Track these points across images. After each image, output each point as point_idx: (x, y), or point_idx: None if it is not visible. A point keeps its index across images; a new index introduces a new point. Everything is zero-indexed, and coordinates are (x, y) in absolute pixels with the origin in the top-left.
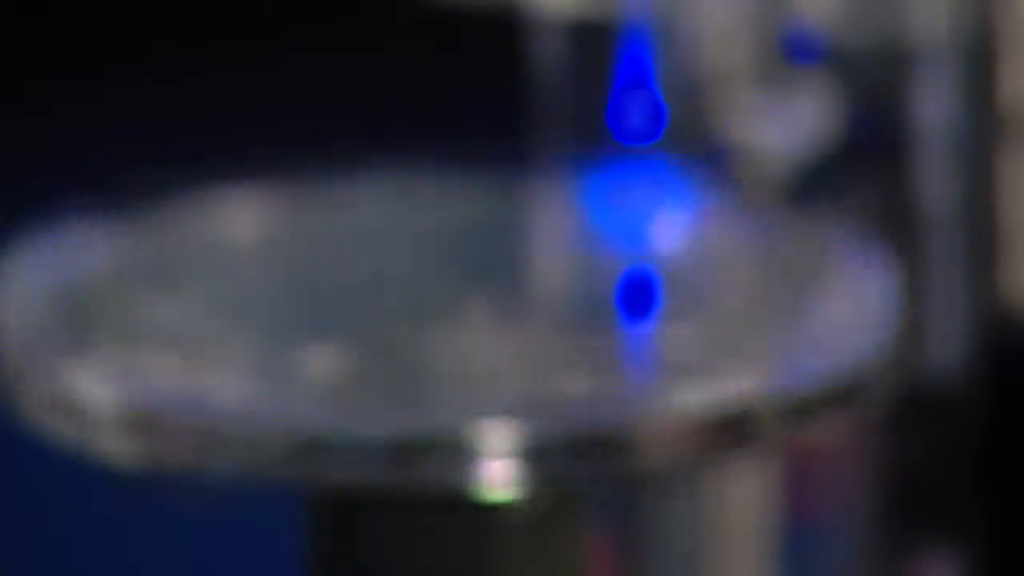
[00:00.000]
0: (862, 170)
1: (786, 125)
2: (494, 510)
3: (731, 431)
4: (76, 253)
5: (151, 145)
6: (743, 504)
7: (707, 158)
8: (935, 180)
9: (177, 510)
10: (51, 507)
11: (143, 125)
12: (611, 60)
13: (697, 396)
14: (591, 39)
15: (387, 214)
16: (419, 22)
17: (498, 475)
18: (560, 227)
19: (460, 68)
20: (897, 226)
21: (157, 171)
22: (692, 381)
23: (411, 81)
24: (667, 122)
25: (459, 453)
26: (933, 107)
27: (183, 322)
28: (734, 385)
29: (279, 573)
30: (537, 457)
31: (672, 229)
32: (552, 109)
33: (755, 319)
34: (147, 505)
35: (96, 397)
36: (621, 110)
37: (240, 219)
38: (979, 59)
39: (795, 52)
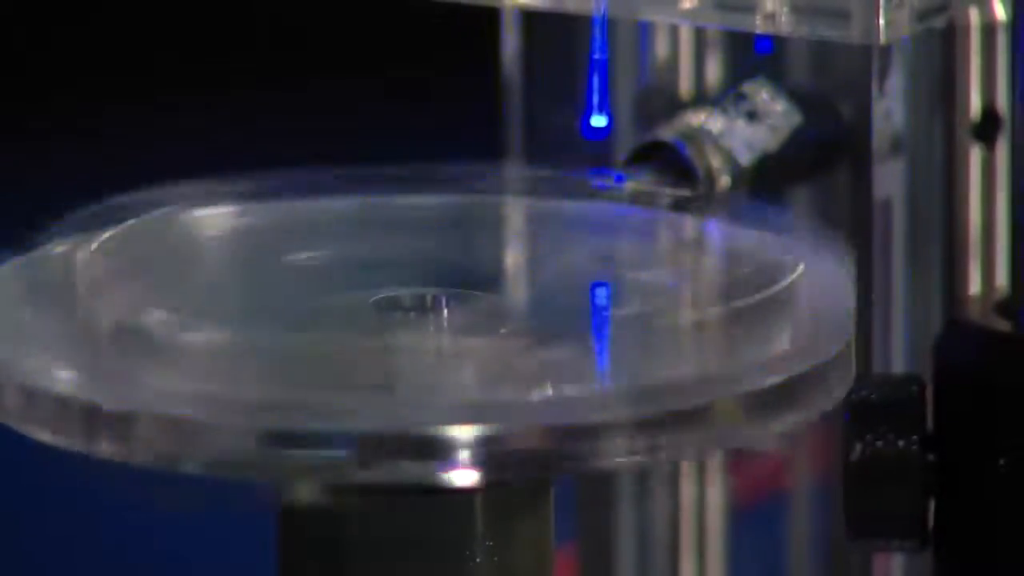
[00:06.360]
0: (819, 169)
1: (745, 123)
2: (459, 505)
3: (688, 431)
4: (50, 250)
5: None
6: (699, 500)
7: (665, 155)
8: (892, 179)
9: (149, 501)
10: (25, 497)
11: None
12: (580, 51)
13: (655, 397)
14: (561, 30)
15: (358, 214)
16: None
17: (461, 472)
18: (527, 229)
19: (436, 60)
20: (853, 224)
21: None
22: (650, 382)
23: (391, 80)
24: (627, 117)
25: (424, 448)
26: (892, 106)
27: (151, 316)
28: (690, 385)
29: (253, 561)
30: (499, 456)
31: (633, 231)
32: (521, 105)
33: (712, 320)
34: (119, 496)
35: (67, 390)
36: (587, 103)
37: (210, 216)
38: (940, 58)
39: (755, 48)
